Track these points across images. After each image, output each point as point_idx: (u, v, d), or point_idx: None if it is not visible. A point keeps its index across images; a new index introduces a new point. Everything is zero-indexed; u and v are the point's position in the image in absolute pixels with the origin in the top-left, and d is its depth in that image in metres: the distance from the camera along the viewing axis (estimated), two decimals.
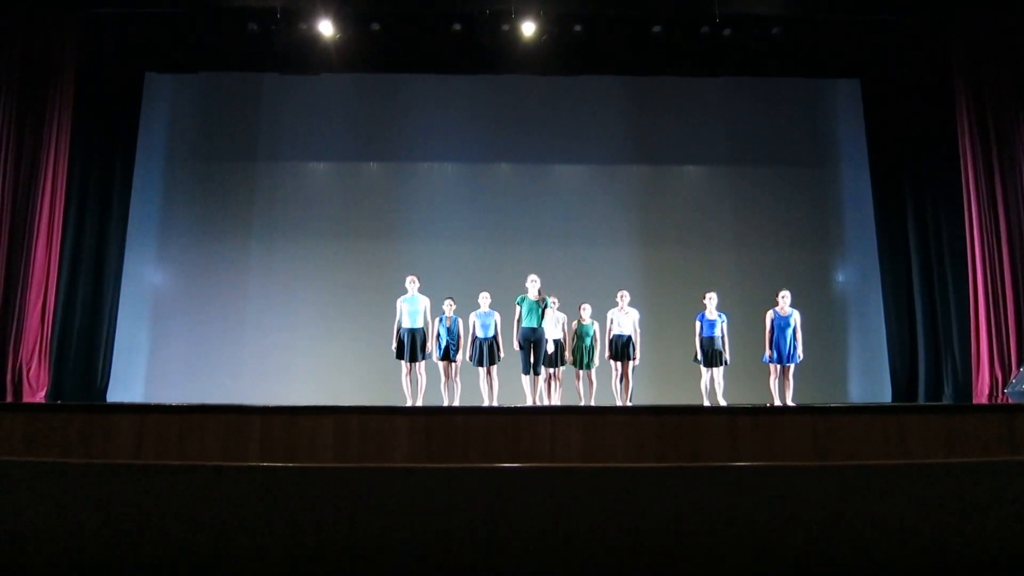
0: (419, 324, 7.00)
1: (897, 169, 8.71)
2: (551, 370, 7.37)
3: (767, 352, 7.26)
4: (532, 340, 7.00)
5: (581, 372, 7.40)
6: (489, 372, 7.11)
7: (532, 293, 7.07)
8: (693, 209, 9.12)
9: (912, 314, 8.44)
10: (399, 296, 7.03)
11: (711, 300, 7.31)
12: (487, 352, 7.10)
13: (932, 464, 3.92)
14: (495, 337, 7.17)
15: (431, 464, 4.17)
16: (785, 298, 7.32)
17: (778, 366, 7.24)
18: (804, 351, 7.24)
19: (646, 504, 3.29)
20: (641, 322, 7.30)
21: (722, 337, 7.23)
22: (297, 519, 3.29)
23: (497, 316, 7.18)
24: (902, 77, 8.66)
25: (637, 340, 7.30)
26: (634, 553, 3.26)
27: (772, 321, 7.30)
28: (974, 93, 7.68)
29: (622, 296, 7.37)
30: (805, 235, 9.04)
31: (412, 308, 7.04)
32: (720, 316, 7.27)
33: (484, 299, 7.19)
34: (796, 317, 7.28)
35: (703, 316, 7.30)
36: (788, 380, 7.28)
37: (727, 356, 7.28)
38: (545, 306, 7.06)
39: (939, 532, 3.27)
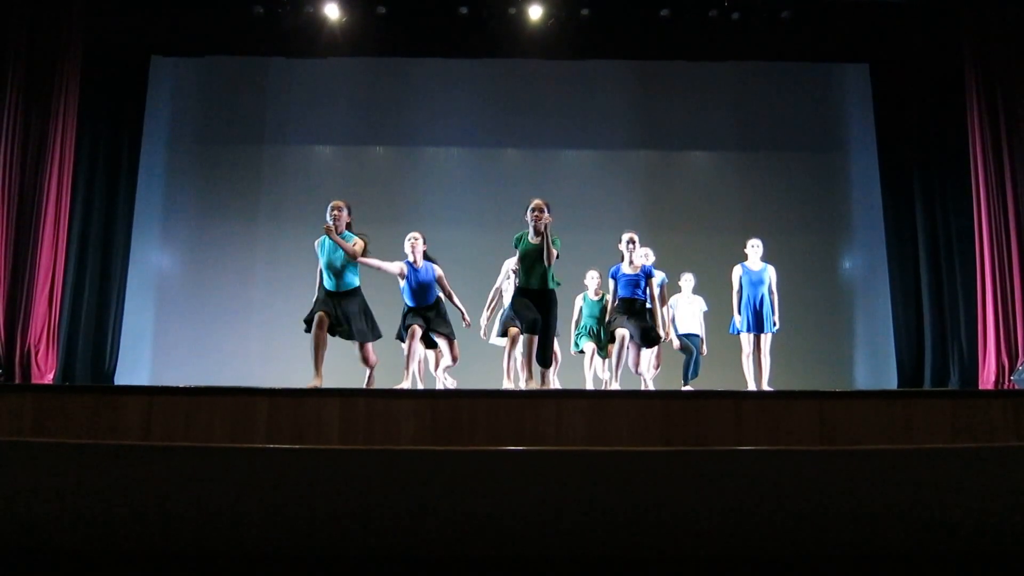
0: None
1: (906, 155, 8.65)
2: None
3: (735, 318, 6.23)
4: (537, 306, 5.12)
5: (593, 359, 6.25)
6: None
7: (534, 232, 5.20)
8: (700, 194, 9.09)
9: (919, 300, 8.42)
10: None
11: (629, 247, 5.71)
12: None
13: (937, 449, 3.93)
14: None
15: (437, 447, 4.19)
16: (756, 248, 6.28)
17: (751, 337, 6.24)
18: (782, 321, 6.25)
19: (652, 488, 3.31)
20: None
21: (646, 298, 5.75)
22: (303, 501, 3.32)
23: (438, 270, 5.78)
24: (912, 62, 8.59)
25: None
26: (639, 536, 3.27)
27: (740, 278, 6.26)
28: (984, 78, 7.61)
29: (686, 280, 6.54)
30: (812, 221, 9.01)
31: (327, 258, 5.44)
32: (644, 269, 5.78)
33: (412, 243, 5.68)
34: (771, 273, 6.26)
35: (618, 270, 5.80)
36: (763, 356, 6.20)
37: (662, 327, 5.84)
38: (555, 248, 5.18)
39: (944, 516, 3.27)
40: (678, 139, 9.24)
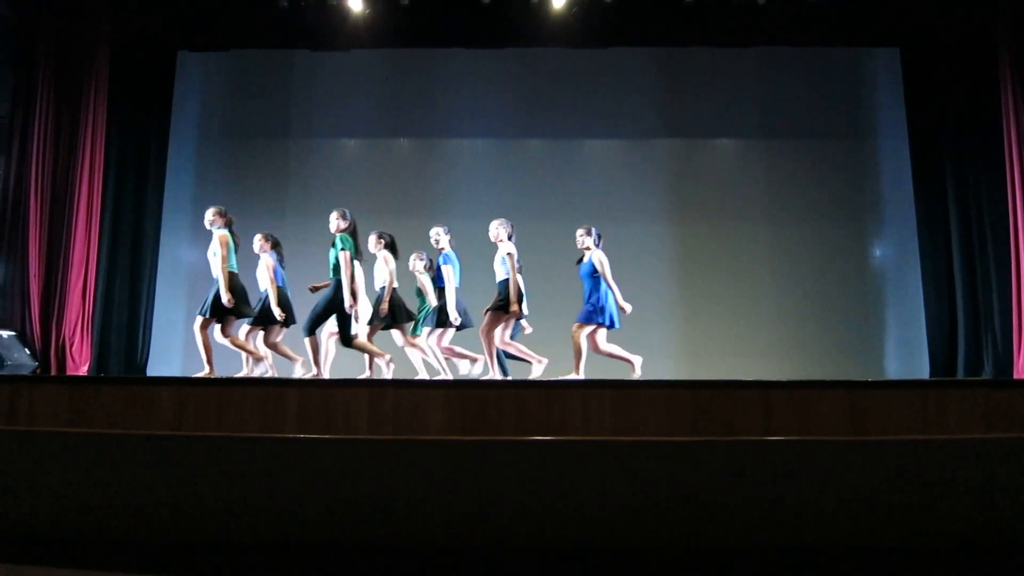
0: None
1: (937, 141, 8.47)
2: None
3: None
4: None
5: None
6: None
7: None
8: (726, 183, 8.99)
9: (952, 288, 8.26)
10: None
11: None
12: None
13: (971, 440, 3.86)
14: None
15: (465, 437, 4.21)
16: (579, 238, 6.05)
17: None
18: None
19: (679, 478, 3.29)
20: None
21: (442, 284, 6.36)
22: (333, 490, 3.35)
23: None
24: (943, 46, 8.39)
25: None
26: (668, 526, 3.27)
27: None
28: (1019, 61, 7.44)
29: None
30: (842, 209, 8.87)
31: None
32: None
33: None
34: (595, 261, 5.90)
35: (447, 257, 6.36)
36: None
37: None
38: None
39: (977, 507, 3.22)
40: (704, 127, 9.14)
